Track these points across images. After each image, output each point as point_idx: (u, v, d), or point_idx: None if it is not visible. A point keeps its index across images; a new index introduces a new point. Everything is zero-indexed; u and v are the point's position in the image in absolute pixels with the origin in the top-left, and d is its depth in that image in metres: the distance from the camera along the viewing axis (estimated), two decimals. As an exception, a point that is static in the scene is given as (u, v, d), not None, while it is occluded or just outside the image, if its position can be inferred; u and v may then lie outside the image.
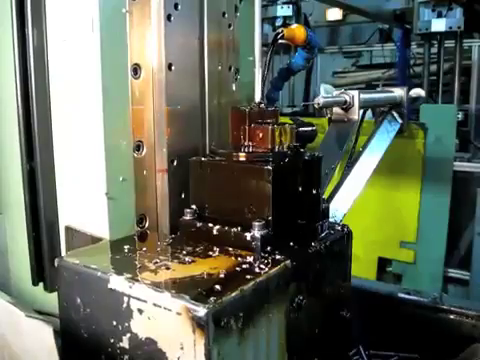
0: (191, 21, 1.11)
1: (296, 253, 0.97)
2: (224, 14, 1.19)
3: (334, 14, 5.41)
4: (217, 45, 1.18)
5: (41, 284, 1.24)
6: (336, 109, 1.45)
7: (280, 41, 1.21)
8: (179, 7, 1.07)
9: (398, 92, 1.63)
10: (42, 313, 1.09)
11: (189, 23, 1.11)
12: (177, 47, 1.09)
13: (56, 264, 0.96)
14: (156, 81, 1.08)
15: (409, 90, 1.66)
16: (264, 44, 1.16)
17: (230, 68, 1.22)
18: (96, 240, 1.06)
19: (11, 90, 1.16)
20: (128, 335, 0.85)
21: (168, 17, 1.05)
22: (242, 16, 1.22)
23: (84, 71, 1.03)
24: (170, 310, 0.79)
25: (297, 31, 1.23)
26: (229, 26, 1.20)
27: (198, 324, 0.75)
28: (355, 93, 1.42)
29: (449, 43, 4.16)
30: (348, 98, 1.41)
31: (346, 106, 1.42)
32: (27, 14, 1.09)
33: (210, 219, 1.02)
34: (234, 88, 1.23)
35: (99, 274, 0.88)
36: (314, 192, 1.07)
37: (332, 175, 1.36)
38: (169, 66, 1.07)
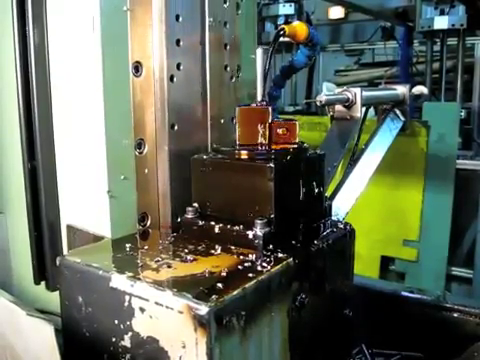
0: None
1: (298, 251, 0.96)
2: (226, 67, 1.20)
3: (336, 12, 5.41)
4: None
5: (43, 283, 1.23)
6: (338, 107, 1.45)
7: (282, 39, 1.20)
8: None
9: (401, 90, 1.63)
10: (44, 312, 1.09)
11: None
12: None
13: (57, 263, 0.95)
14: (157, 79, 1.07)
15: (412, 88, 1.65)
16: (266, 42, 1.15)
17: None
18: (98, 239, 1.06)
19: (12, 89, 1.16)
20: (130, 334, 0.85)
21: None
22: (243, 14, 1.22)
23: (85, 69, 1.03)
24: (172, 309, 0.78)
25: (298, 28, 1.22)
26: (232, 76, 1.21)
27: (200, 323, 0.75)
28: (357, 90, 1.41)
29: (452, 41, 4.14)
30: (350, 95, 1.41)
31: (348, 104, 1.42)
32: (28, 12, 1.09)
33: (212, 217, 1.02)
34: (235, 86, 1.23)
35: (100, 273, 0.88)
36: (316, 190, 1.07)
37: (334, 173, 1.36)
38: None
